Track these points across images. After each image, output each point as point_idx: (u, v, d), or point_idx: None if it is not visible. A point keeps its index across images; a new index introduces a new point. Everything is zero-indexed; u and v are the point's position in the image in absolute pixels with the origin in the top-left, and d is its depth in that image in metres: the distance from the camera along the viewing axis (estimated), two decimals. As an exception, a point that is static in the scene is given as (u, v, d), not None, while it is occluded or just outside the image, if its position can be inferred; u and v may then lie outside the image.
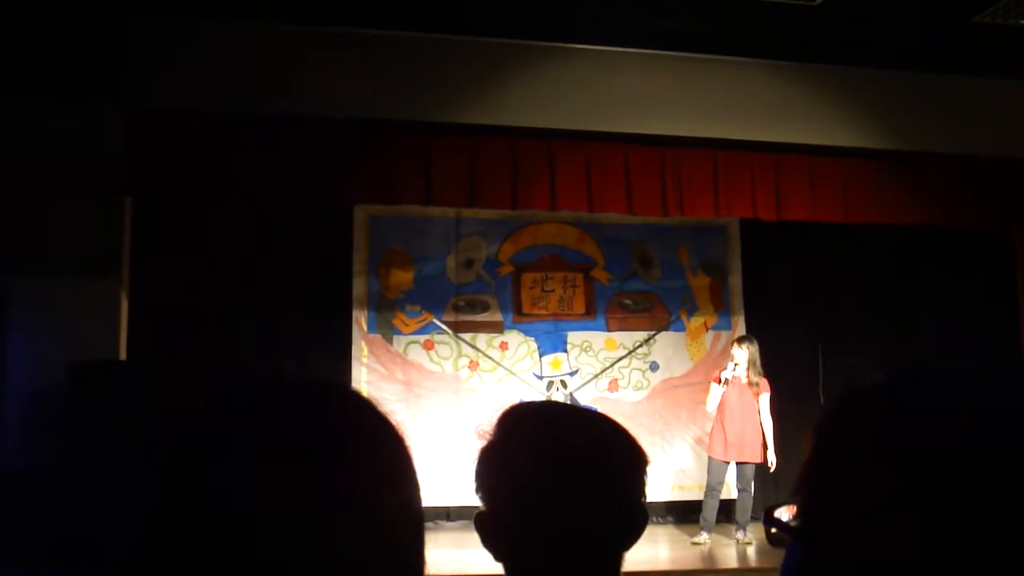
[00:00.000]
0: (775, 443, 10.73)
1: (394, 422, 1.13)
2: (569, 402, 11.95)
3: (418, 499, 1.12)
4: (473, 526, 1.95)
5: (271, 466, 1.02)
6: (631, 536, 1.95)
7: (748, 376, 10.71)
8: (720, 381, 10.80)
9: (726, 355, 12.45)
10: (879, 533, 1.09)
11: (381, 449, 1.10)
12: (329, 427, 1.08)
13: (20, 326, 9.03)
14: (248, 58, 9.82)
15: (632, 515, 1.94)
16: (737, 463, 10.70)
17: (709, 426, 11.05)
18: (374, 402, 1.14)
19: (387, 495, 1.07)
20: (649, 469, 2.00)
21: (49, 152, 9.39)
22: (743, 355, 10.78)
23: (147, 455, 1.05)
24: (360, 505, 1.04)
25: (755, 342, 11.05)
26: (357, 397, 1.14)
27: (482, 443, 1.98)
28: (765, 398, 10.74)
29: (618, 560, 1.95)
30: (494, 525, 1.93)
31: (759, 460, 10.68)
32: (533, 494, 1.88)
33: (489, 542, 1.94)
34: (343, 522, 1.02)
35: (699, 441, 12.06)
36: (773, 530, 1.23)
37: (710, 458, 10.86)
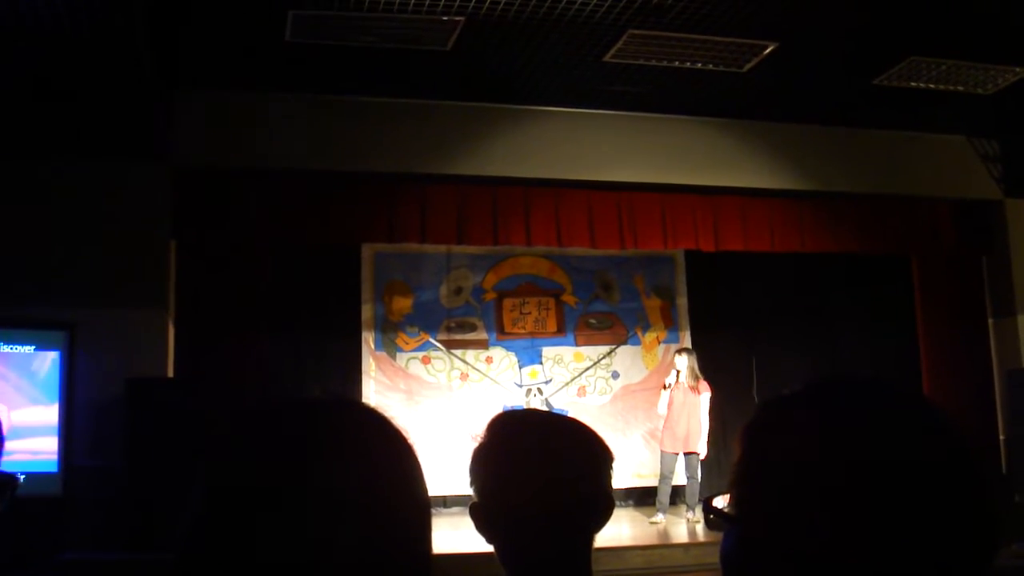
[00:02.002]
0: (708, 436, 10.80)
1: (400, 428, 1.13)
2: (545, 407, 11.98)
3: (424, 490, 1.12)
4: (468, 514, 1.95)
5: (300, 467, 1.03)
6: (601, 521, 1.96)
7: (688, 380, 10.77)
8: (666, 387, 10.88)
9: (673, 364, 12.57)
10: (796, 520, 1.10)
11: (391, 450, 1.11)
12: (347, 434, 1.09)
13: (85, 348, 9.03)
14: (273, 123, 9.85)
15: (601, 503, 1.95)
16: (684, 454, 10.75)
17: (661, 424, 11.09)
18: (383, 413, 1.14)
19: (396, 487, 1.08)
20: (613, 464, 2.01)
21: (107, 204, 9.44)
22: (683, 362, 10.87)
23: (198, 460, 1.05)
24: (374, 496, 1.04)
25: (692, 352, 11.14)
26: (369, 410, 1.14)
27: (475, 445, 1.98)
28: (706, 398, 10.80)
29: (590, 541, 1.95)
30: (486, 514, 1.93)
31: (700, 450, 10.74)
32: (518, 488, 1.90)
33: (482, 528, 1.94)
34: (360, 510, 1.02)
35: (653, 436, 12.07)
36: (711, 516, 1.23)
37: (662, 451, 10.91)
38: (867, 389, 1.19)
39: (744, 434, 1.21)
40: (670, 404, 10.80)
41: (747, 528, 1.16)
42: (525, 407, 11.92)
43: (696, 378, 10.86)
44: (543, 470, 1.91)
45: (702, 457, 10.81)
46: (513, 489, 1.91)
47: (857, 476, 1.09)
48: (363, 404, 1.15)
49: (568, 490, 1.91)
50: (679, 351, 11.23)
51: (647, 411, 12.28)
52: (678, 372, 10.86)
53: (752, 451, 1.19)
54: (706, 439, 10.76)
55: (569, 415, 2.18)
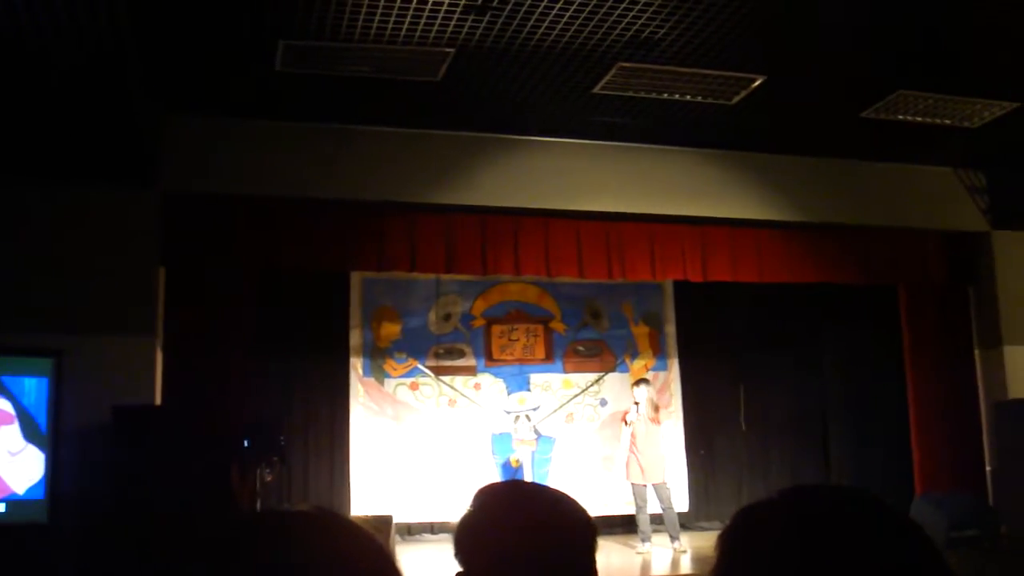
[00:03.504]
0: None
1: (377, 541, 1.16)
2: (533, 433, 12.01)
3: None
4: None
5: None
6: None
7: (648, 411, 10.73)
8: (627, 422, 10.82)
9: (665, 391, 12.59)
10: None
11: (367, 564, 1.13)
12: (323, 547, 1.11)
13: (72, 375, 8.98)
14: (263, 150, 9.84)
15: (583, 574, 1.96)
16: (653, 485, 10.65)
17: (625, 457, 10.95)
18: (360, 527, 1.17)
19: None
20: (597, 538, 2.00)
21: (95, 229, 9.42)
22: (643, 394, 10.81)
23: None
24: None
25: (651, 383, 11.13)
26: (347, 524, 1.17)
27: (461, 515, 2.00)
28: (666, 427, 10.78)
29: None
30: None
31: (667, 479, 10.69)
32: (504, 562, 1.90)
33: None
34: None
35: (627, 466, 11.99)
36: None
37: (631, 483, 10.79)
38: (842, 500, 1.21)
39: (721, 540, 1.24)
40: (633, 436, 10.74)
41: None
42: (513, 435, 11.95)
43: (656, 408, 10.82)
44: (529, 546, 1.91)
45: (668, 484, 10.74)
46: (498, 564, 1.91)
47: None
48: (339, 517, 1.17)
49: (552, 566, 1.92)
50: (637, 383, 11.16)
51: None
52: (637, 404, 10.82)
53: (728, 558, 1.22)
54: (669, 467, 10.78)
55: (554, 487, 2.16)
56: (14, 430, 8.68)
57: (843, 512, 1.19)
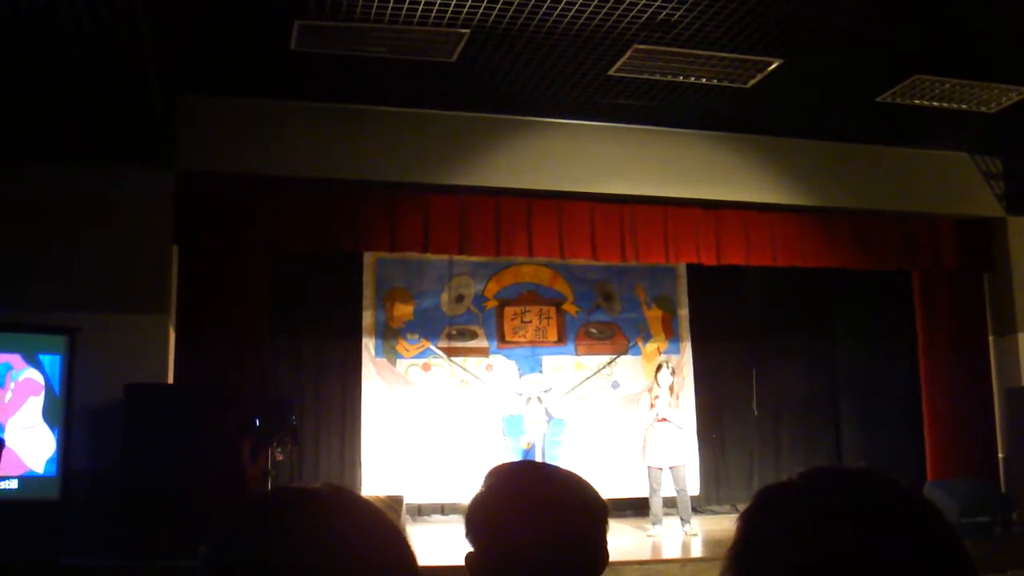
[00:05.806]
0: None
1: (390, 519, 1.17)
2: (545, 415, 12.02)
3: (412, 570, 1.16)
4: (464, 562, 1.97)
5: (292, 556, 1.08)
6: (593, 574, 1.96)
7: (669, 395, 10.68)
8: (653, 406, 10.71)
9: (678, 374, 12.54)
10: None
11: (378, 540, 1.14)
12: (336, 525, 1.13)
13: (85, 353, 8.98)
14: (277, 130, 9.84)
15: (595, 557, 1.96)
16: (670, 468, 10.62)
17: (643, 440, 10.84)
18: (373, 505, 1.18)
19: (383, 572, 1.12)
20: (608, 518, 2.02)
21: (110, 208, 9.44)
22: (667, 379, 10.73)
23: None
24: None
25: (671, 366, 11.04)
26: (361, 502, 1.18)
27: (474, 494, 2.01)
28: (684, 411, 10.73)
29: None
30: (480, 564, 1.95)
31: (684, 462, 10.69)
32: (515, 543, 1.91)
33: None
34: None
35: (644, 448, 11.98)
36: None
37: (648, 466, 10.72)
38: (862, 482, 1.21)
39: (741, 519, 1.24)
40: (654, 420, 10.72)
41: None
42: (525, 417, 11.97)
43: (676, 394, 10.79)
44: (540, 527, 1.92)
45: (684, 466, 10.71)
46: (510, 544, 1.92)
47: (846, 572, 1.10)
48: (354, 495, 1.19)
49: (564, 548, 1.92)
50: (659, 367, 10.98)
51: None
52: (660, 387, 10.72)
53: (747, 537, 1.22)
54: (685, 449, 10.76)
55: (566, 468, 2.16)
56: (38, 402, 8.70)
57: (864, 494, 1.18)
